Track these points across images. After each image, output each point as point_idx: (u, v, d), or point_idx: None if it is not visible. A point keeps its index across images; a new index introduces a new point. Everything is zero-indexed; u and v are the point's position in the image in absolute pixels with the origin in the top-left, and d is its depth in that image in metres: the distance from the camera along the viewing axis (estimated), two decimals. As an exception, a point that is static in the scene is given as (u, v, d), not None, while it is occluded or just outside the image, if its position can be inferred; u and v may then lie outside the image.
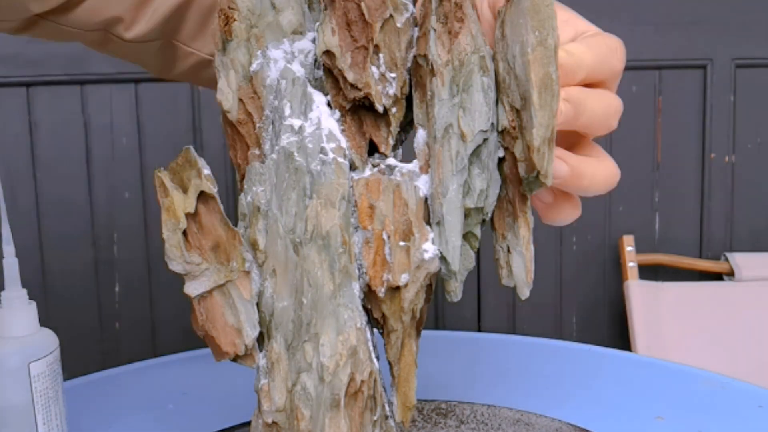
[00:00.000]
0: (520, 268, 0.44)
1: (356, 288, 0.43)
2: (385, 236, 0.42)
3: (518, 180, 0.43)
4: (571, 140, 0.45)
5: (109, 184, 1.43)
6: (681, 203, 1.58)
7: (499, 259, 0.45)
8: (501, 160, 0.43)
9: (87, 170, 1.42)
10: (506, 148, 0.43)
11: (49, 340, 0.50)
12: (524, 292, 0.44)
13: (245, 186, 0.44)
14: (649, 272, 1.55)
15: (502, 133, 0.42)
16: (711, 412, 0.62)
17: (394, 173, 0.44)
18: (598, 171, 0.44)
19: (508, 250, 0.44)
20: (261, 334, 0.43)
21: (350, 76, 0.43)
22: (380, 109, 0.43)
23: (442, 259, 0.43)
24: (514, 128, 0.42)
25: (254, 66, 0.44)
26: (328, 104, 0.44)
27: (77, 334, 1.42)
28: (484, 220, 0.44)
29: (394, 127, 0.44)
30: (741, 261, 1.51)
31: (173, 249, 0.42)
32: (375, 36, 0.42)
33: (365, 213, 0.43)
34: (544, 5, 0.39)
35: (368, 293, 0.43)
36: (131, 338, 1.48)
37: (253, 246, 0.43)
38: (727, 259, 1.53)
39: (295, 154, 0.42)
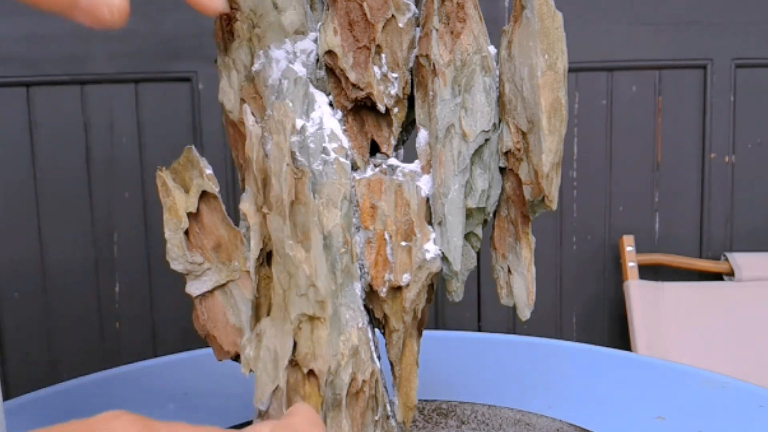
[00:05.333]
0: (521, 289, 0.44)
1: (358, 288, 0.43)
2: (386, 236, 0.42)
3: (521, 201, 0.43)
4: None
5: (109, 184, 1.43)
6: (681, 203, 1.58)
7: (498, 278, 0.45)
8: (503, 176, 0.43)
9: (87, 170, 1.42)
10: (510, 170, 0.43)
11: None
12: (525, 314, 0.44)
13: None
14: (649, 272, 1.55)
15: (506, 154, 0.42)
16: (711, 412, 0.62)
17: (396, 173, 0.44)
18: None
19: (509, 271, 0.44)
20: (262, 333, 0.43)
21: (352, 76, 0.43)
22: (382, 109, 0.43)
23: (444, 259, 0.43)
24: (519, 150, 0.42)
25: (256, 66, 0.44)
26: (330, 104, 0.44)
27: (77, 334, 1.42)
28: (485, 220, 0.44)
29: (396, 127, 0.44)
30: (741, 261, 1.51)
31: (175, 248, 0.42)
32: (377, 36, 0.42)
33: (367, 213, 0.43)
34: (553, 28, 0.39)
35: (370, 293, 0.43)
36: (131, 338, 1.48)
37: (255, 246, 0.43)
38: (727, 259, 1.53)
39: (297, 153, 0.42)
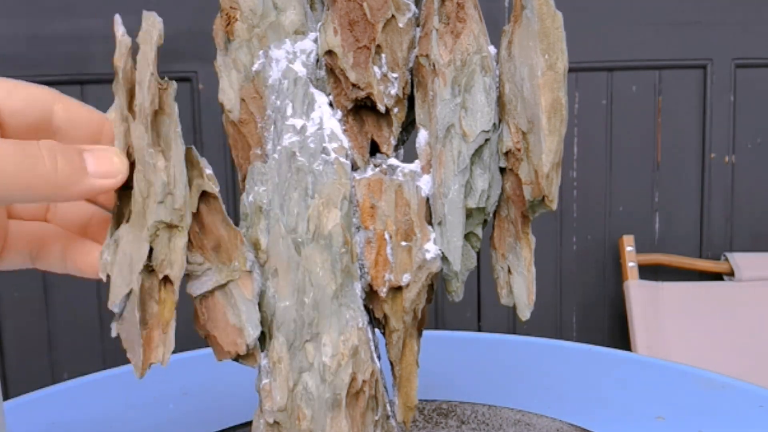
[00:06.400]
0: (521, 289, 0.44)
1: (358, 288, 0.43)
2: (386, 236, 0.42)
3: (521, 201, 0.43)
4: None
5: (109, 184, 1.43)
6: (681, 203, 1.58)
7: (498, 278, 0.45)
8: (503, 176, 0.43)
9: (87, 170, 1.42)
10: (510, 170, 0.43)
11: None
12: (525, 314, 0.44)
13: (247, 186, 0.44)
14: (649, 272, 1.55)
15: (506, 154, 0.42)
16: (711, 412, 0.62)
17: (396, 173, 0.44)
18: None
19: (509, 271, 0.44)
20: (263, 333, 0.43)
21: (352, 76, 0.43)
22: (382, 109, 0.43)
23: (444, 259, 0.43)
24: (519, 150, 0.42)
25: (256, 66, 0.44)
26: (330, 104, 0.44)
27: (77, 334, 1.42)
28: (485, 221, 0.44)
29: (396, 127, 0.44)
30: (741, 261, 1.51)
31: (175, 249, 0.42)
32: (377, 36, 0.42)
33: (367, 213, 0.43)
34: (553, 28, 0.40)
35: (370, 293, 0.43)
36: (131, 338, 1.47)
37: (255, 246, 0.43)
38: (727, 259, 1.53)
39: (297, 154, 0.42)
